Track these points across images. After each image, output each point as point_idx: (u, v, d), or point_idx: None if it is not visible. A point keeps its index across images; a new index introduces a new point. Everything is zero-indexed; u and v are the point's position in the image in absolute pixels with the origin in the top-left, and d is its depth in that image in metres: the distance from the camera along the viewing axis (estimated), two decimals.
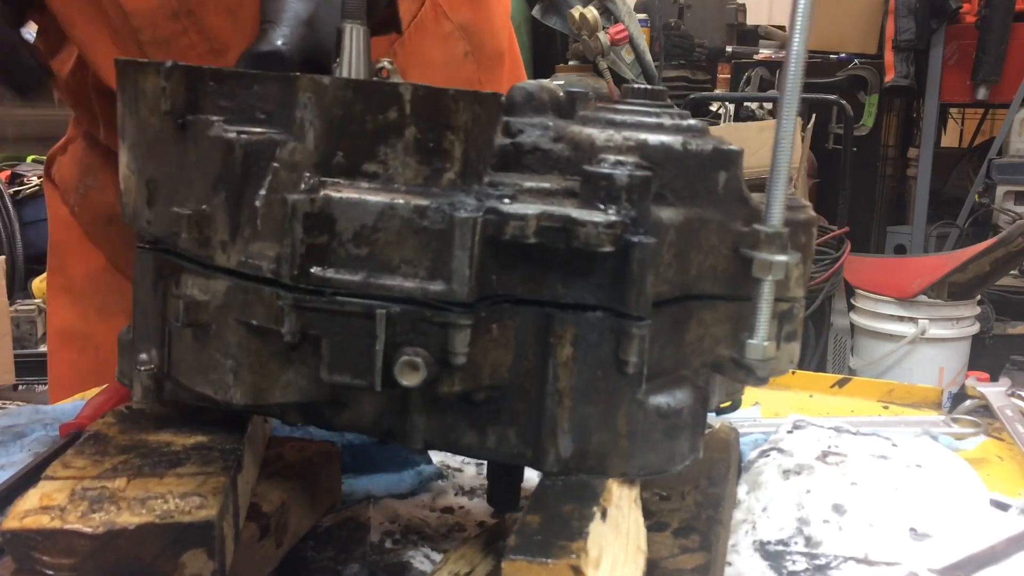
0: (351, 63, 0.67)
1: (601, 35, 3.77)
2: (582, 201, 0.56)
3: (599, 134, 0.60)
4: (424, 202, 0.55)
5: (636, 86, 0.63)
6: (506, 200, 0.56)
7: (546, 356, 0.57)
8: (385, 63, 0.74)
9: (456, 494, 0.86)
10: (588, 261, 0.56)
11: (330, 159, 0.57)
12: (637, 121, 0.60)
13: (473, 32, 1.22)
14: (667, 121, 0.60)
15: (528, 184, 0.58)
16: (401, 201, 0.55)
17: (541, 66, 4.27)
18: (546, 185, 0.58)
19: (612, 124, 0.60)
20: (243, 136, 0.58)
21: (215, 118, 0.60)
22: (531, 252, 0.56)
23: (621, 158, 0.58)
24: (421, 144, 0.57)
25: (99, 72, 1.06)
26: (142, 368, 0.66)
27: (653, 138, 0.59)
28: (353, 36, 0.67)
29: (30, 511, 0.56)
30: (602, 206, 0.55)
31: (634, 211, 0.55)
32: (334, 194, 0.56)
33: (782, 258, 0.59)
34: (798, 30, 0.58)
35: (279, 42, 0.70)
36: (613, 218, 0.54)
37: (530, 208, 0.55)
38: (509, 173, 0.59)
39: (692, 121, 0.61)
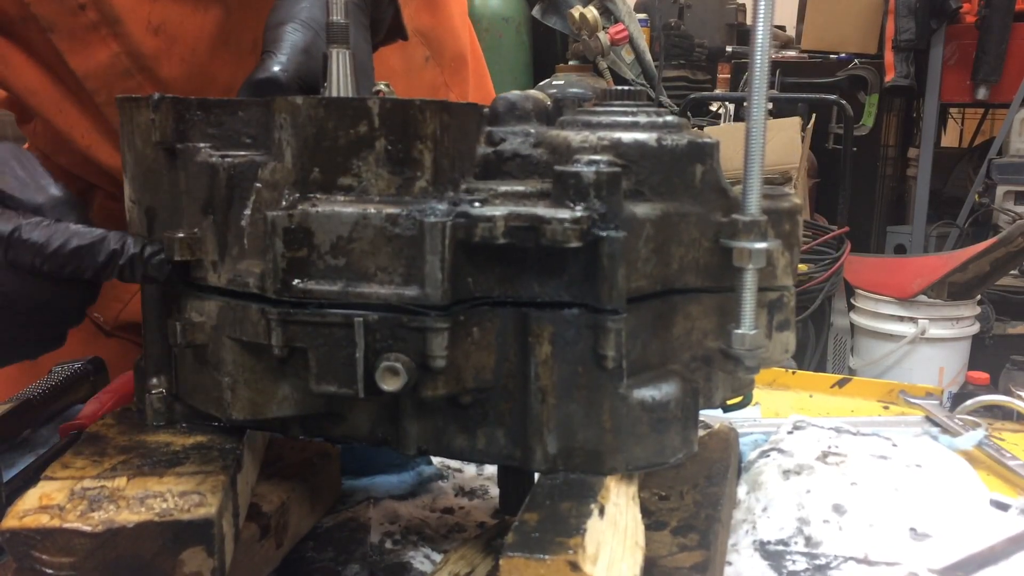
0: (338, 85, 0.69)
1: (601, 35, 3.77)
2: (553, 200, 0.56)
3: (575, 136, 0.61)
4: (395, 210, 0.56)
5: (615, 88, 0.64)
6: (477, 204, 0.57)
7: (527, 356, 0.58)
8: (381, 86, 0.76)
9: (456, 495, 0.86)
10: (560, 259, 0.56)
11: (307, 175, 0.59)
12: (612, 121, 0.61)
13: (432, 37, 1.22)
14: (642, 119, 0.61)
15: (503, 188, 0.59)
16: (373, 211, 0.57)
17: (541, 66, 4.28)
18: (521, 188, 0.59)
19: (588, 126, 0.61)
20: (227, 160, 0.61)
21: (202, 145, 0.63)
22: (504, 253, 0.56)
23: (596, 157, 0.58)
24: (392, 155, 0.58)
25: (63, 135, 1.06)
26: (152, 392, 0.69)
27: (627, 136, 0.60)
28: (339, 60, 0.70)
29: (29, 511, 0.56)
30: (571, 204, 0.56)
31: (603, 207, 0.55)
32: (311, 208, 0.57)
33: (761, 245, 0.59)
34: (761, 19, 0.58)
35: (276, 68, 0.73)
36: (579, 214, 0.55)
37: (498, 210, 0.56)
38: (490, 180, 0.61)
39: (669, 118, 0.62)
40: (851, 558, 0.72)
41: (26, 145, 1.22)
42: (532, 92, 0.67)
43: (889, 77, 4.41)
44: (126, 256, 0.64)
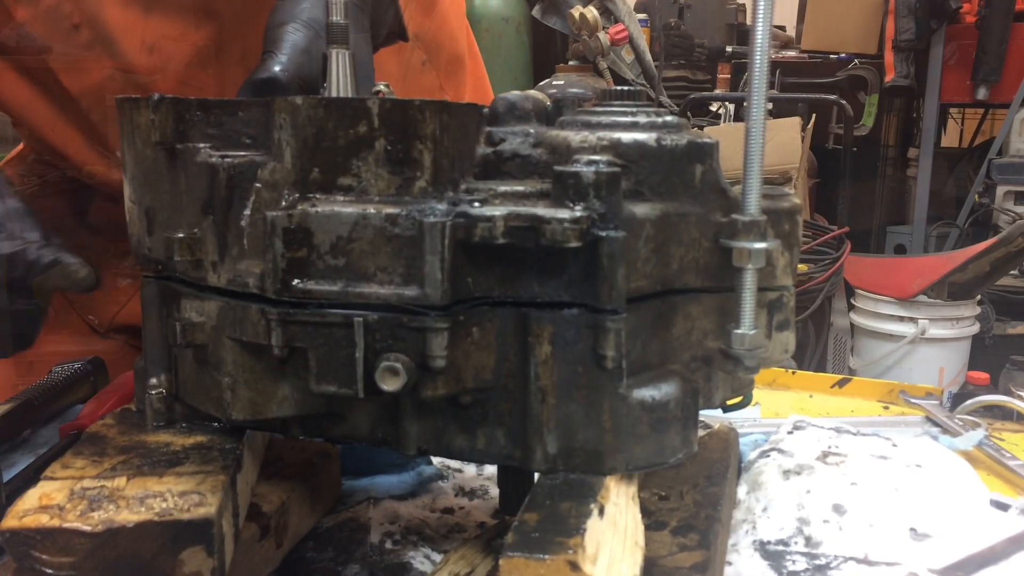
0: (338, 86, 0.69)
1: (601, 35, 3.77)
2: (553, 200, 0.56)
3: (574, 136, 0.61)
4: (395, 210, 0.56)
5: (614, 88, 0.64)
6: (476, 204, 0.57)
7: (527, 356, 0.58)
8: (381, 86, 0.76)
9: (456, 495, 0.86)
10: (559, 259, 0.56)
11: (307, 175, 0.59)
12: (612, 121, 0.61)
13: (428, 40, 1.23)
14: (642, 119, 0.61)
15: (503, 188, 0.59)
16: (373, 211, 0.57)
17: (541, 66, 4.28)
18: (520, 188, 0.59)
19: (588, 126, 0.61)
20: (227, 160, 0.61)
21: (202, 145, 0.63)
22: (504, 253, 0.57)
23: (595, 157, 0.58)
24: (391, 155, 0.58)
25: (58, 150, 1.07)
26: (152, 392, 0.69)
27: (627, 136, 0.60)
28: (339, 60, 0.70)
29: (29, 510, 0.56)
30: (571, 204, 0.56)
31: (603, 207, 0.55)
32: (311, 208, 0.57)
33: (761, 245, 0.59)
34: (761, 19, 0.58)
35: (276, 68, 0.73)
36: (579, 214, 0.55)
37: (498, 210, 0.56)
38: (490, 180, 0.61)
39: (668, 118, 0.62)
40: (851, 558, 0.72)
41: (21, 145, 1.22)
42: (532, 92, 0.67)
43: (889, 77, 4.41)
44: (24, 262, 0.67)
